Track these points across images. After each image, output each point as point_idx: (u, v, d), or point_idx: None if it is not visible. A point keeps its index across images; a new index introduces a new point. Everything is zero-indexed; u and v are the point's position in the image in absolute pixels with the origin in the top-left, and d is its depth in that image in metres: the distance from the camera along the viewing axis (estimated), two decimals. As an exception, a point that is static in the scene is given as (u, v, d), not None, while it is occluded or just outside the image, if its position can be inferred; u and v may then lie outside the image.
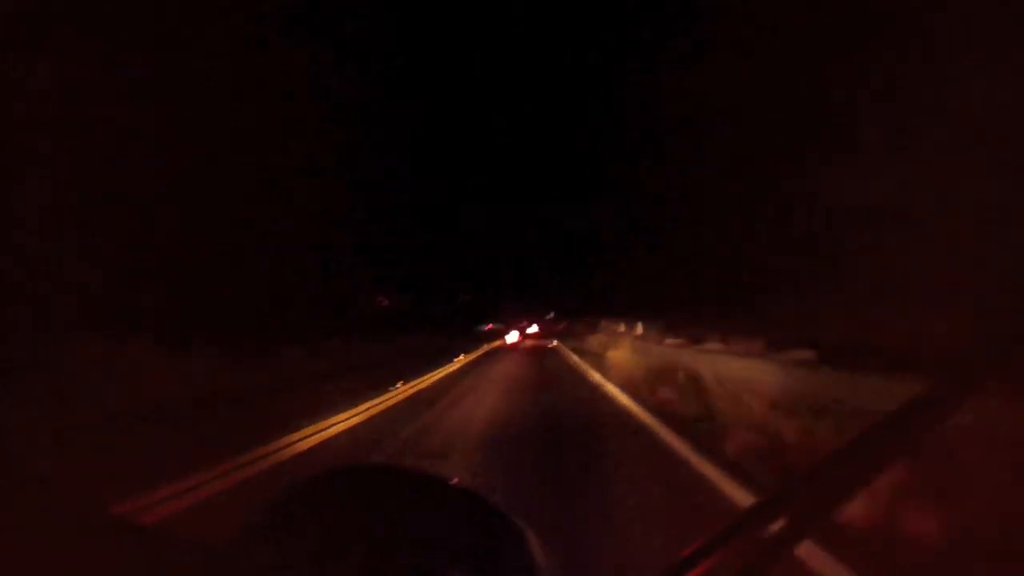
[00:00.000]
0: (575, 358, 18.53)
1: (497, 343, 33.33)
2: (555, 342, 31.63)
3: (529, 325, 46.46)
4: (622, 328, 19.38)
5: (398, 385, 10.57)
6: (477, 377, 13.19)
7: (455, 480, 1.04)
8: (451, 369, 15.31)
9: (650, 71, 14.18)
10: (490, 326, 59.42)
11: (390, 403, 8.77)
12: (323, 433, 6.42)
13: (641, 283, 21.52)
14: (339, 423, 6.97)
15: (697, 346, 10.08)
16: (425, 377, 12.59)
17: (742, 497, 3.67)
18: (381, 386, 10.06)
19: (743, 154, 11.12)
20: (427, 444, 5.89)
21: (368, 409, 8.07)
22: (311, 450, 5.67)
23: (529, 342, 35.75)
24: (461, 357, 19.46)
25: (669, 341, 11.98)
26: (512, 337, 37.85)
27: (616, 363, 13.02)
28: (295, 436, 6.10)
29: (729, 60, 10.83)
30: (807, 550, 2.48)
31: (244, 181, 12.54)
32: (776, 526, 0.72)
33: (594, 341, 21.85)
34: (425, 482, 1.01)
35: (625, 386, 9.75)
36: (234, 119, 11.95)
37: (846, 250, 8.09)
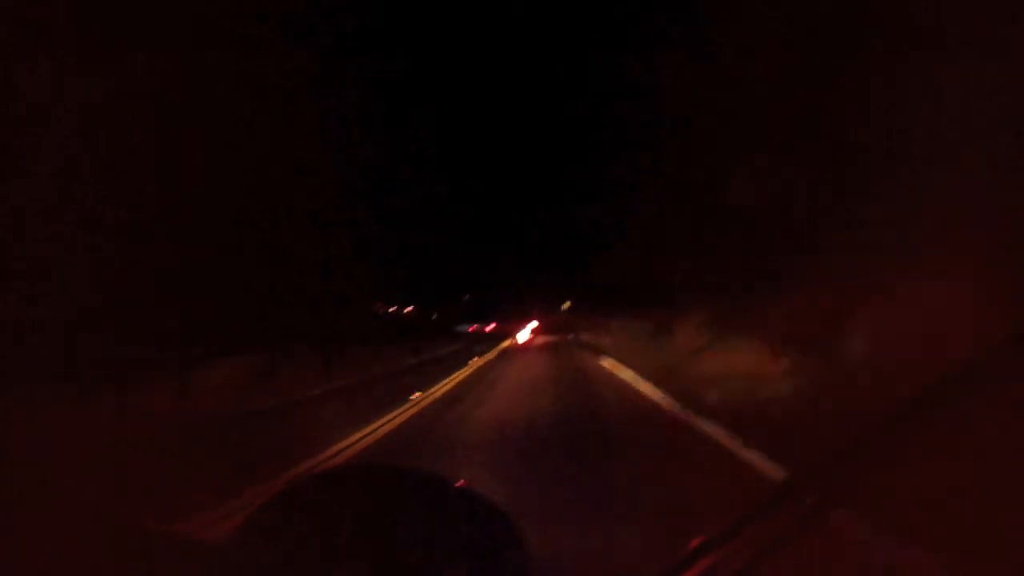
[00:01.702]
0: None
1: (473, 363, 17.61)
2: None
3: (528, 321, 39.57)
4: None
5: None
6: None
7: (461, 481, 1.03)
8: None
9: (653, 61, 14.13)
10: (473, 327, 52.60)
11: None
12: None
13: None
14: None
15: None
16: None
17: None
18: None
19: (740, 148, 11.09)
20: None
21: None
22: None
23: (540, 339, 30.97)
24: None
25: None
26: (524, 336, 33.06)
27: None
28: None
29: (729, 55, 10.81)
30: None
31: (241, 182, 12.54)
32: (778, 523, 0.71)
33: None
34: (425, 482, 1.00)
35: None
36: (234, 120, 12.00)
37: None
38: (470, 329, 51.44)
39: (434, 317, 48.12)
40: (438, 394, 10.29)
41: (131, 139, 9.69)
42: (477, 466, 5.04)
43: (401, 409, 8.46)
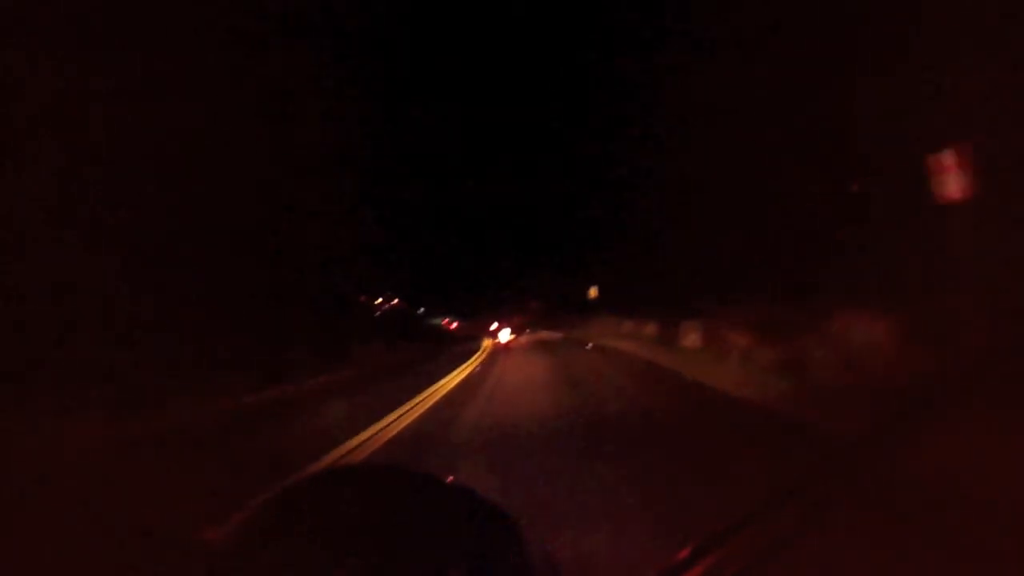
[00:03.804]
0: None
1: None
2: None
3: (514, 319, 34.02)
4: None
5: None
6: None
7: (450, 479, 1.04)
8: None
9: (649, 61, 14.10)
10: (445, 321, 51.78)
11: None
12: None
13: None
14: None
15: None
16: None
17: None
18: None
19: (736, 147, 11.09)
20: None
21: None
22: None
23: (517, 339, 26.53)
24: None
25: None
26: (505, 335, 27.83)
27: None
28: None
29: (723, 55, 10.81)
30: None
31: (239, 182, 12.53)
32: (776, 526, 0.72)
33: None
34: (424, 481, 1.01)
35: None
36: (234, 119, 11.96)
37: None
38: (443, 322, 50.80)
39: (421, 311, 47.95)
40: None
41: (136, 141, 9.64)
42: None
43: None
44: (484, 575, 0.80)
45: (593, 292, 29.48)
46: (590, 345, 18.01)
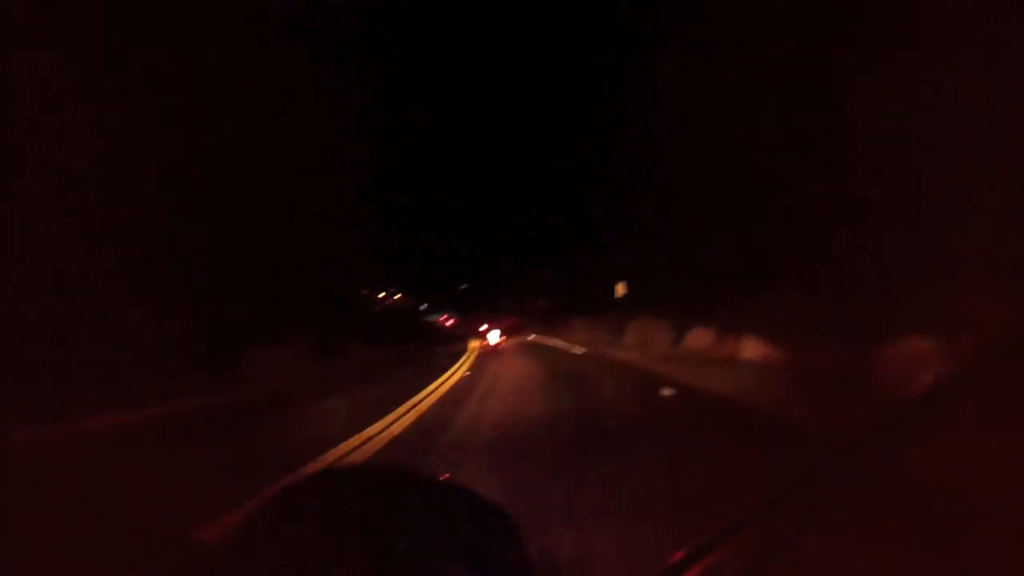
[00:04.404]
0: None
1: None
2: None
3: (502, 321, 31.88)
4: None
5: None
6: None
7: (445, 476, 1.04)
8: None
9: (645, 62, 14.07)
10: (443, 317, 51.44)
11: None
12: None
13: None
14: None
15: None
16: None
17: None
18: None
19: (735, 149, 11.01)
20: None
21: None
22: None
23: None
24: None
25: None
26: (494, 337, 25.85)
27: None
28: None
29: (723, 55, 10.78)
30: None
31: (239, 180, 12.54)
32: (776, 526, 0.72)
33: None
34: (423, 482, 1.01)
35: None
36: (234, 119, 11.98)
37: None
38: (441, 319, 50.86)
39: (423, 307, 48.13)
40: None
41: (136, 140, 9.64)
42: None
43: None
44: (484, 575, 0.80)
45: (621, 288, 23.24)
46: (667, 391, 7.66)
